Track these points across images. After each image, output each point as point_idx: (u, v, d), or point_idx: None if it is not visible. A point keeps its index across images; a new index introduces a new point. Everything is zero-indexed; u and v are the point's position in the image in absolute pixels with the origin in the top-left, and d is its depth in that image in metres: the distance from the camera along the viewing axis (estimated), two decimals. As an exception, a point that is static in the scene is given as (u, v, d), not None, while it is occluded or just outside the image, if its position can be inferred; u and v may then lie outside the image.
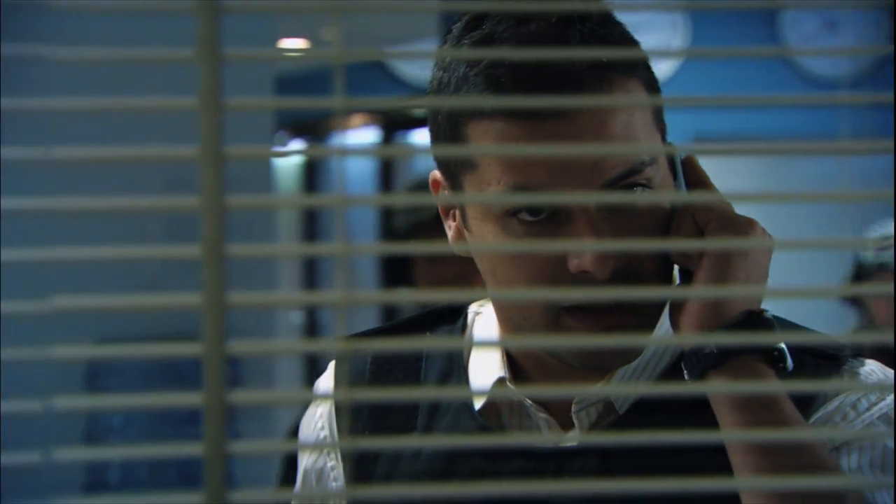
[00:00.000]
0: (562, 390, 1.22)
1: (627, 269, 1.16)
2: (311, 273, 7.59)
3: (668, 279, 1.21)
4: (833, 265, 3.36)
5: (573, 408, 1.24)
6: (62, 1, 0.89)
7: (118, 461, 3.42)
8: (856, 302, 3.68)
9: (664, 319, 1.20)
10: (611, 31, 1.18)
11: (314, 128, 7.35)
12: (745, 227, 1.15)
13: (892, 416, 1.19)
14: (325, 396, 1.35)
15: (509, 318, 1.24)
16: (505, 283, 1.19)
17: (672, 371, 1.23)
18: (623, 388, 1.23)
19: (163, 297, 0.88)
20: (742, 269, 1.14)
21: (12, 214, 0.88)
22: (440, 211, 1.27)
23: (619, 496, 0.95)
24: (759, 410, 1.11)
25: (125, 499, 0.91)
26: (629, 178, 1.16)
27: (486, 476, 1.22)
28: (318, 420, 1.36)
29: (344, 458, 1.33)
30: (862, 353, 1.23)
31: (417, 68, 6.43)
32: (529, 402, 1.25)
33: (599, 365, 1.22)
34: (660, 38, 5.88)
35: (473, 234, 1.22)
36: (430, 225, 2.86)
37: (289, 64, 6.18)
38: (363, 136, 7.03)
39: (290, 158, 7.90)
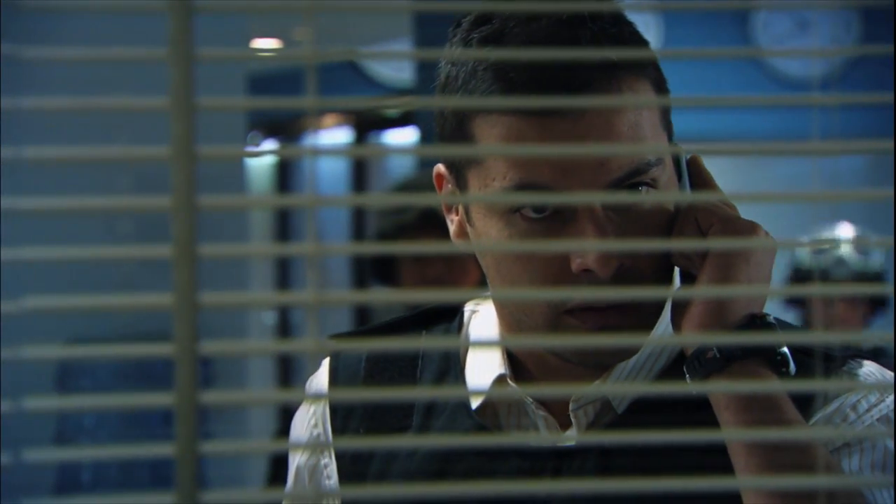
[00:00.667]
0: (559, 390, 1.21)
1: (628, 269, 1.15)
2: (284, 273, 7.58)
3: (668, 281, 1.20)
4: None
5: (571, 406, 1.23)
6: (33, 0, 0.89)
7: (90, 462, 3.41)
8: (798, 303, 3.73)
9: (663, 318, 1.20)
10: (622, 30, 1.18)
11: (287, 128, 7.35)
12: (747, 230, 1.14)
13: (892, 417, 1.18)
14: (313, 397, 1.33)
15: (510, 313, 1.23)
16: (507, 278, 1.18)
17: (670, 371, 1.23)
18: (621, 387, 1.22)
19: (134, 297, 0.88)
20: (744, 272, 1.13)
21: (-18, 214, 0.87)
22: (442, 205, 1.26)
23: (616, 495, 0.95)
24: (761, 413, 1.10)
25: (97, 499, 0.91)
26: (635, 178, 1.15)
27: (483, 475, 1.21)
28: (311, 417, 1.34)
29: (338, 456, 1.31)
30: (860, 354, 1.22)
31: (390, 69, 6.43)
32: (530, 399, 1.24)
33: (599, 362, 1.21)
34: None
35: (476, 228, 1.21)
36: (414, 226, 2.87)
37: (261, 64, 6.17)
38: (336, 136, 7.03)
39: (262, 158, 7.89)
